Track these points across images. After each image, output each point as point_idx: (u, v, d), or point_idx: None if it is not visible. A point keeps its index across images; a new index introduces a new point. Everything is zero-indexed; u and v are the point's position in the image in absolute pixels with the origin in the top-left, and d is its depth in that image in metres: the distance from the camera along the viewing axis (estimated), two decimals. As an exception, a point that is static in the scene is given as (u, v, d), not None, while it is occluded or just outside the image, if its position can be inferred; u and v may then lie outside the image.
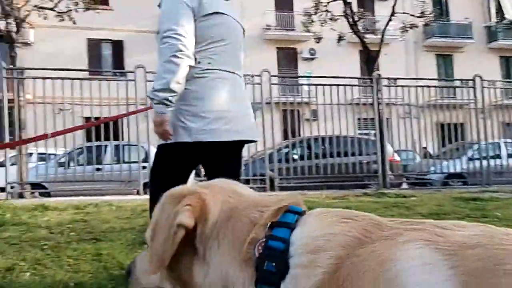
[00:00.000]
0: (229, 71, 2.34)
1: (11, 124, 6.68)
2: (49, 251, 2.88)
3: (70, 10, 11.79)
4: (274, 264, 0.71)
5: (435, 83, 17.58)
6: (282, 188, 7.02)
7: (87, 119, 7.48)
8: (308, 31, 14.51)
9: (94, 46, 20.47)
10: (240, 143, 2.46)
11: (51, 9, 11.51)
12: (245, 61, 2.58)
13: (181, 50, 2.15)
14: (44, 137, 4.37)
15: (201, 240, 0.80)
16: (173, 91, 2.16)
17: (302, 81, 17.05)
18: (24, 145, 7.09)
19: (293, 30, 22.81)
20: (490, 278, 0.61)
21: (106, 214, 4.34)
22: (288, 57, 23.12)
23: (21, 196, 6.67)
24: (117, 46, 20.64)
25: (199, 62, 2.25)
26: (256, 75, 7.13)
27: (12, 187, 6.70)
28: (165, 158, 2.34)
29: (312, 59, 22.70)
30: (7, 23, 10.05)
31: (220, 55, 2.30)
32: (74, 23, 12.07)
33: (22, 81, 6.98)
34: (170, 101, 2.17)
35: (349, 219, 0.75)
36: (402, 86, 8.27)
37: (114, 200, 5.25)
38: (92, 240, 3.18)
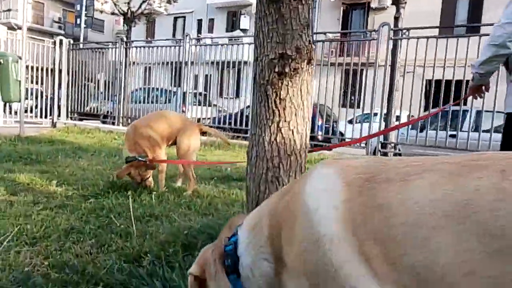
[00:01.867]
0: None
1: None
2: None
3: None
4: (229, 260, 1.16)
5: None
6: None
7: (429, 81, 7.06)
8: None
9: (449, 2, 19.28)
10: None
11: None
12: None
13: (494, 41, 2.47)
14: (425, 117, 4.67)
15: None
16: (480, 70, 2.65)
17: None
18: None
19: None
20: (367, 184, 0.88)
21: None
22: None
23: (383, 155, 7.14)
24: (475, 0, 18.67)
25: None
26: None
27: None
28: (508, 129, 2.61)
29: None
30: None
31: None
32: None
33: (400, 42, 7.33)
34: (478, 76, 2.69)
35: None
36: None
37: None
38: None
